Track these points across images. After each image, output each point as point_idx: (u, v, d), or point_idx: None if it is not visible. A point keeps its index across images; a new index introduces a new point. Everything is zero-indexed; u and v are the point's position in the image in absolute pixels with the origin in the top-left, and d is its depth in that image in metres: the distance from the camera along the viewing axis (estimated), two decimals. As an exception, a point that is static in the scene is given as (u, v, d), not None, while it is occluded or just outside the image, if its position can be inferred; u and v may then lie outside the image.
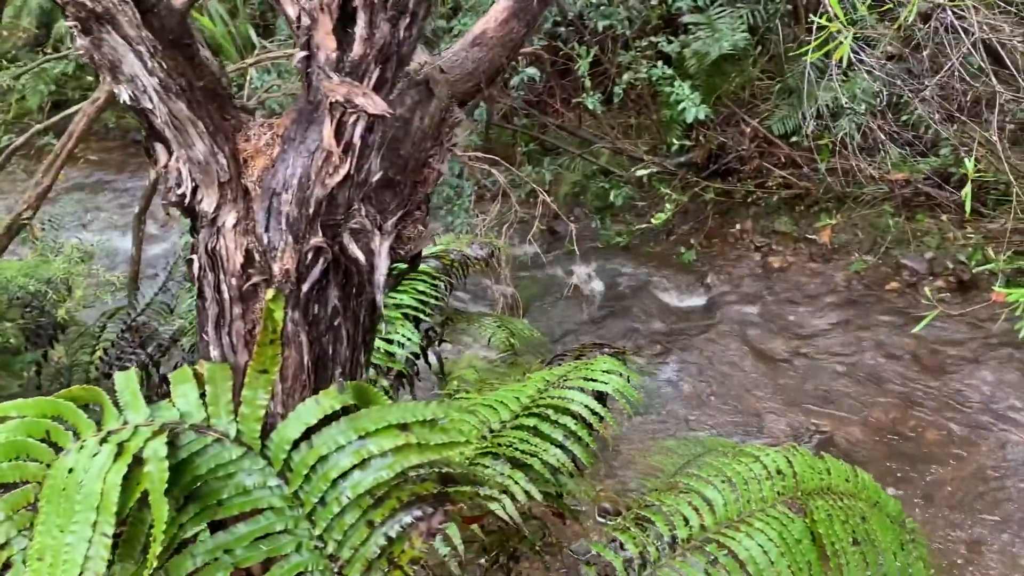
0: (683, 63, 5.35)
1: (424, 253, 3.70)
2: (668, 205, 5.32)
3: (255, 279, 1.36)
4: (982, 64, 3.61)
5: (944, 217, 4.98)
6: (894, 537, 2.32)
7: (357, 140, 1.28)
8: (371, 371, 2.97)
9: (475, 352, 4.80)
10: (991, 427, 4.05)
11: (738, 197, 5.60)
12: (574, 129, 6.11)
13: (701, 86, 5.33)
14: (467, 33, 1.92)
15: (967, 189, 3.09)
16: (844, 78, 4.79)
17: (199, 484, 1.37)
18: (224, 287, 1.40)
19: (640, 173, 5.57)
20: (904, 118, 4.88)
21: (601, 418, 2.30)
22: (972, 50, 3.54)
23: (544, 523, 2.35)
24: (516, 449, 2.23)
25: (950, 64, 3.57)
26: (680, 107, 4.92)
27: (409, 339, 3.22)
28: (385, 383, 3.25)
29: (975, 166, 3.22)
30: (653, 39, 5.25)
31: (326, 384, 1.41)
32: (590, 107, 5.23)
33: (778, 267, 5.28)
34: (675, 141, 5.46)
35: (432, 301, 3.35)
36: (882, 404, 4.28)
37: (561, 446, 2.25)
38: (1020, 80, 3.61)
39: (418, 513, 1.41)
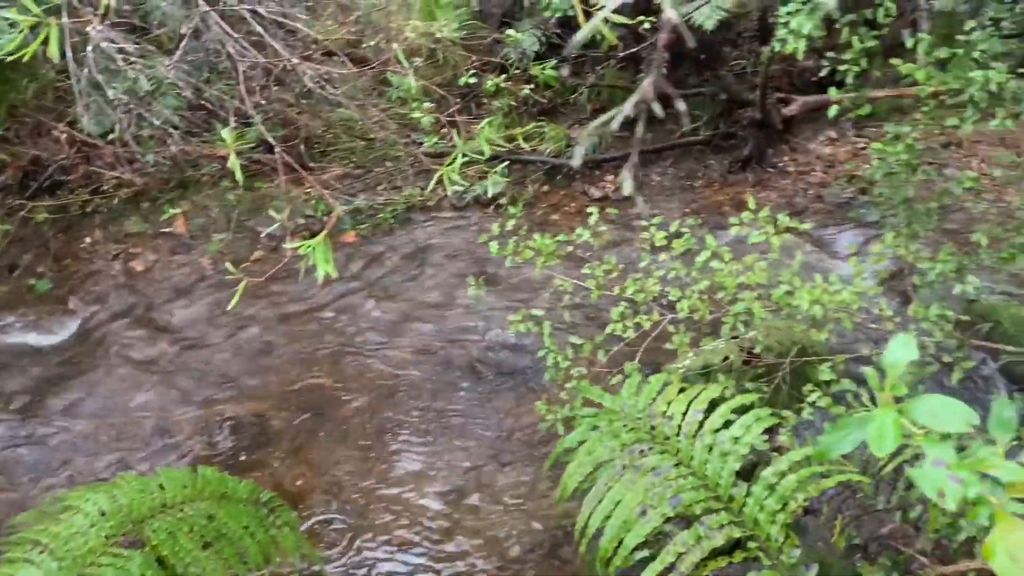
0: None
1: None
2: (-9, 239, 4.60)
3: None
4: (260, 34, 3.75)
5: (283, 178, 5.23)
6: (249, 518, 2.35)
7: None
8: None
9: None
10: (364, 358, 4.48)
11: (76, 209, 5.10)
12: None
13: (-16, 98, 4.64)
14: None
15: (233, 159, 3.22)
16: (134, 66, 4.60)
17: None
18: None
19: (-57, 211, 4.68)
20: (214, 93, 4.93)
21: None
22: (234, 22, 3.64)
23: None
24: None
25: (205, 37, 3.63)
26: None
27: None
28: None
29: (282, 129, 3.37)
30: None
31: None
32: None
33: (142, 269, 5.00)
34: (-27, 166, 4.69)
35: None
36: (275, 369, 4.41)
37: None
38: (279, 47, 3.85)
39: None
